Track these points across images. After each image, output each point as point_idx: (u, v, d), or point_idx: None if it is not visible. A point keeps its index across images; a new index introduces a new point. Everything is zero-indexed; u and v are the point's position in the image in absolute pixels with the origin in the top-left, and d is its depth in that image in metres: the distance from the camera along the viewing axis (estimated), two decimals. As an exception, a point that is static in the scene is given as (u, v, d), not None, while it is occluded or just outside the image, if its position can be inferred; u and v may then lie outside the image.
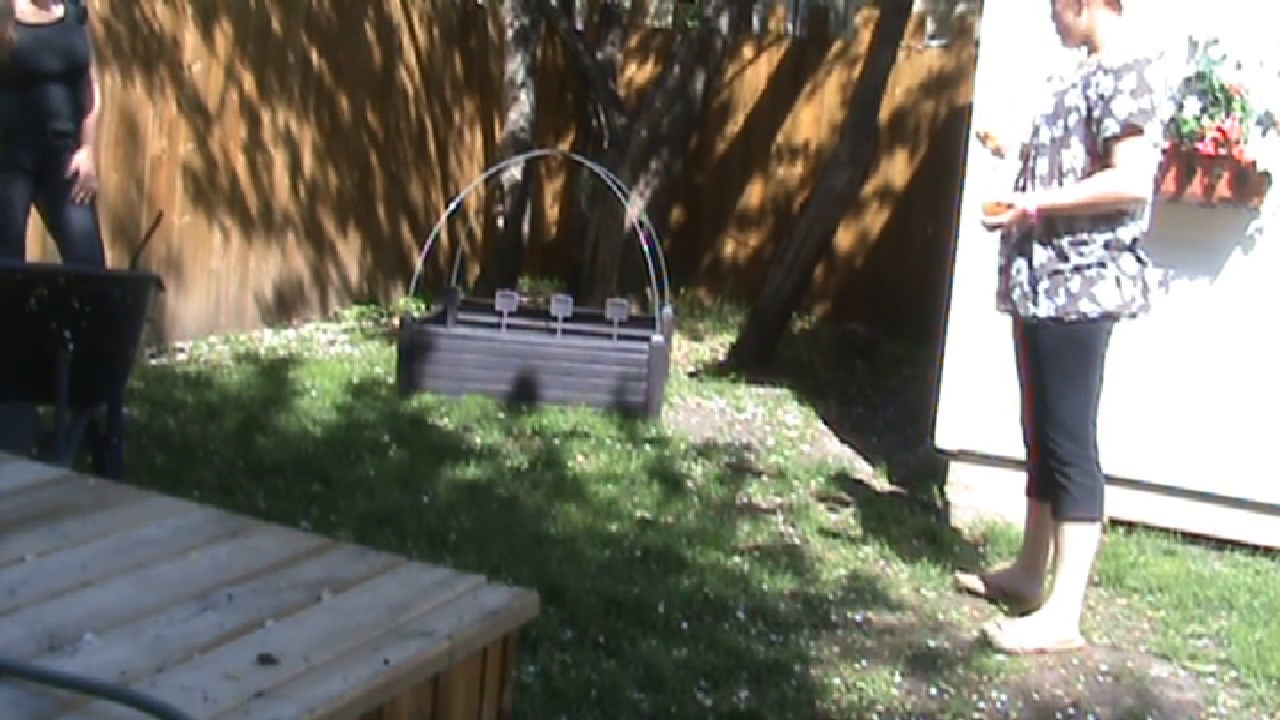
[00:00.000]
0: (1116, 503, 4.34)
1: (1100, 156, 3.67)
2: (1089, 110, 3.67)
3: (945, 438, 5.00)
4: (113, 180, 5.93)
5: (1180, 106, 4.44)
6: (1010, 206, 3.75)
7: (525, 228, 8.29)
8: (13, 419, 3.81)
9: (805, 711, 3.29)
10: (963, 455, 4.97)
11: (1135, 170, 3.63)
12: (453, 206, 7.25)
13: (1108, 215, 3.70)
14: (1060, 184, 3.74)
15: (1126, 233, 3.72)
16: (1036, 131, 3.85)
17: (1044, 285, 3.75)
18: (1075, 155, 3.72)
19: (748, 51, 8.82)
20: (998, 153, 4.03)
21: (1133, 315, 3.77)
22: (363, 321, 7.52)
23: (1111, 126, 3.62)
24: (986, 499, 4.86)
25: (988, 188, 4.26)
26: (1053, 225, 3.73)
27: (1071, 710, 3.48)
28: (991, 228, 3.84)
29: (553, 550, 4.15)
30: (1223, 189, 4.44)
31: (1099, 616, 4.10)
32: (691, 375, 6.86)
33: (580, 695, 3.22)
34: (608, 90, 7.63)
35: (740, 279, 8.80)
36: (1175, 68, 4.42)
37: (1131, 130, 3.61)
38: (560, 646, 3.49)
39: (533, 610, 1.97)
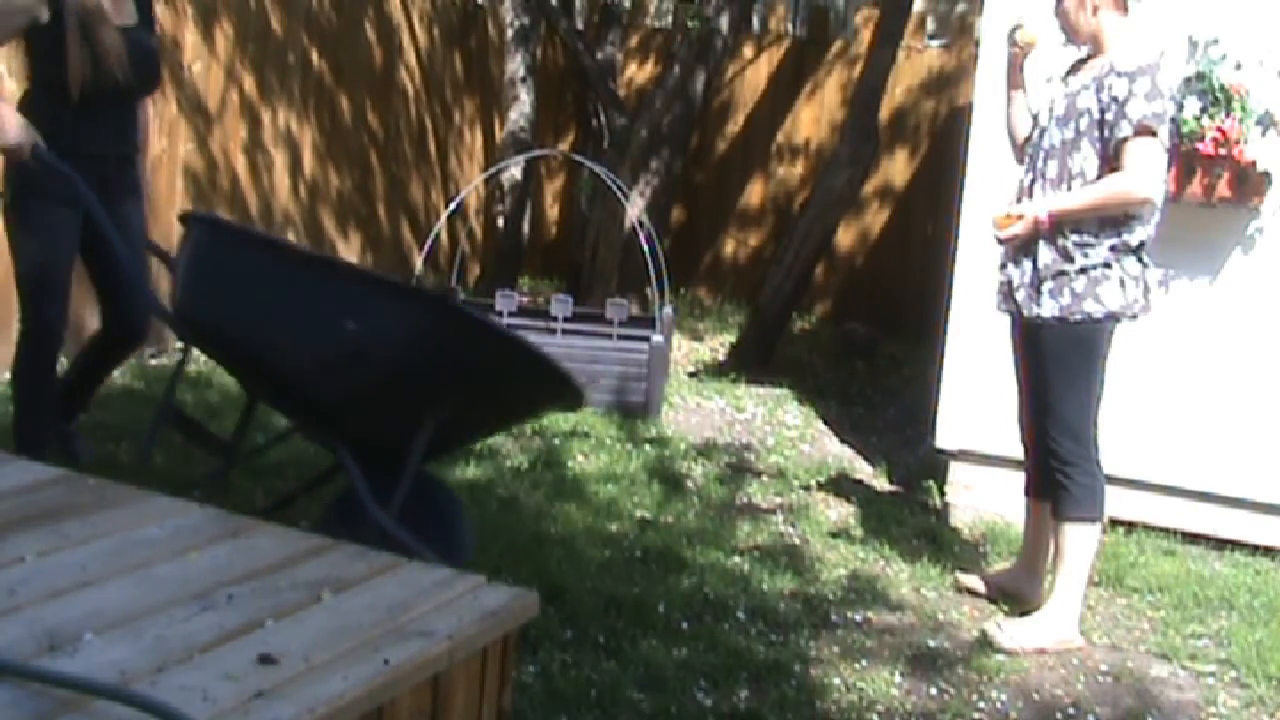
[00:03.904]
0: (1116, 503, 4.34)
1: (1111, 159, 3.67)
2: (1101, 113, 3.66)
3: (945, 438, 5.00)
4: (113, 180, 5.92)
5: (1180, 106, 4.44)
6: (1021, 217, 3.74)
7: (525, 228, 8.28)
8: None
9: (805, 711, 3.29)
10: (963, 455, 4.96)
11: (1144, 172, 3.62)
12: (453, 206, 7.24)
13: (1115, 219, 3.69)
14: (1069, 187, 3.72)
15: (1134, 237, 3.71)
16: (1045, 133, 3.84)
17: (1048, 285, 3.74)
18: (1085, 158, 3.70)
19: (748, 51, 8.81)
20: (1027, 46, 3.89)
21: (1134, 316, 3.77)
22: (363, 321, 7.50)
23: (1125, 128, 3.61)
24: (986, 499, 4.86)
25: (995, 200, 4.22)
26: (1059, 226, 3.72)
27: (1071, 710, 3.48)
28: (1004, 241, 3.82)
29: (553, 550, 4.15)
30: (1223, 189, 4.43)
31: (1099, 616, 4.09)
32: (691, 375, 6.86)
33: (580, 695, 3.22)
34: (608, 90, 7.62)
35: (740, 279, 8.80)
36: (1175, 68, 4.42)
37: (1144, 131, 3.60)
38: (560, 646, 3.49)
39: (533, 610, 1.98)
